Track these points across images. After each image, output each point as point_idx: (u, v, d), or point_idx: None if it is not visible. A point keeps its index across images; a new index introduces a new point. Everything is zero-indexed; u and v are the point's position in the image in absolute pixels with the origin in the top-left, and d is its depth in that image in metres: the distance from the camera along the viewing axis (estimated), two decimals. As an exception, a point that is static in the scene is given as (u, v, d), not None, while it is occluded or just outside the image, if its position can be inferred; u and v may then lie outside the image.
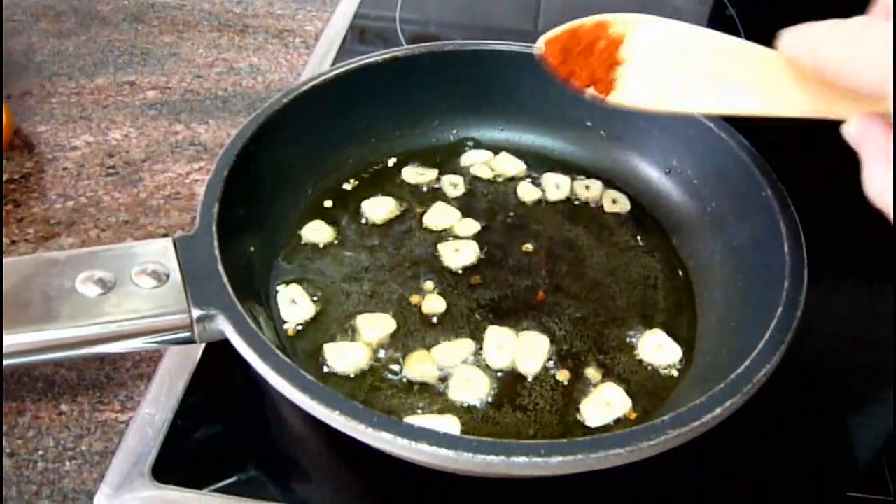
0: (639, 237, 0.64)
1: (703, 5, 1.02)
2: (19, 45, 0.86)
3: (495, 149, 0.70)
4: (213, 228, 0.50)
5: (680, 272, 0.61)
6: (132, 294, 0.47)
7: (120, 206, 0.68)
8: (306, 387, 0.42)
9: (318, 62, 0.83)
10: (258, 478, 0.50)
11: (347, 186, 0.66)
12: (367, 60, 0.65)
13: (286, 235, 0.61)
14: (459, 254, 0.61)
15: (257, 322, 0.48)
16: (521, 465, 0.40)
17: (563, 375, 0.53)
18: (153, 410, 0.52)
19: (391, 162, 0.68)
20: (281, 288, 0.57)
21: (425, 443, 0.40)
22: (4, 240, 0.64)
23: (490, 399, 0.52)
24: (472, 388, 0.52)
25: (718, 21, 0.97)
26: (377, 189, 0.66)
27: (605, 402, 0.52)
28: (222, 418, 0.53)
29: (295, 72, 0.84)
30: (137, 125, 0.76)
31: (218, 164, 0.54)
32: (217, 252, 0.49)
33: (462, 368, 0.53)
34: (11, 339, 0.44)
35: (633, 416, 0.52)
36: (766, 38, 0.42)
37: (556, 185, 0.67)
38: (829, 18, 0.37)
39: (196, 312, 0.46)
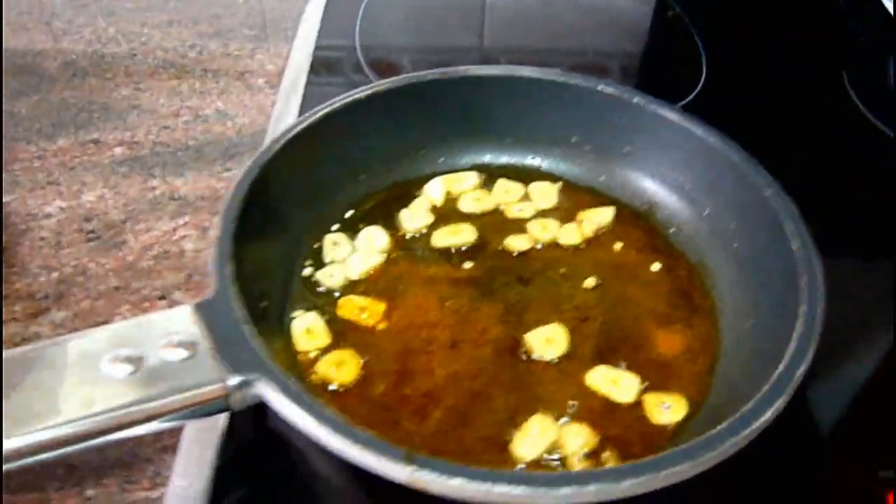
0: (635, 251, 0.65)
1: (646, 6, 1.04)
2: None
3: (489, 172, 0.70)
4: (230, 292, 0.49)
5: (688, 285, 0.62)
6: (163, 369, 0.45)
7: (108, 272, 0.66)
8: (366, 442, 0.42)
9: (286, 101, 0.81)
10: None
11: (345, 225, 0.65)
12: (348, 99, 0.64)
13: (292, 284, 0.60)
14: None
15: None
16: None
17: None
18: (185, 483, 0.50)
19: (383, 197, 0.67)
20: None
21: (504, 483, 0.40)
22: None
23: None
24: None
25: (661, 23, 0.99)
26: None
27: None
28: (259, 481, 0.52)
29: (264, 114, 0.82)
30: (110, 184, 0.74)
31: (223, 226, 0.53)
32: (239, 314, 0.48)
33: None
34: (43, 435, 0.42)
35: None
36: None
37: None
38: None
39: (234, 379, 0.45)
